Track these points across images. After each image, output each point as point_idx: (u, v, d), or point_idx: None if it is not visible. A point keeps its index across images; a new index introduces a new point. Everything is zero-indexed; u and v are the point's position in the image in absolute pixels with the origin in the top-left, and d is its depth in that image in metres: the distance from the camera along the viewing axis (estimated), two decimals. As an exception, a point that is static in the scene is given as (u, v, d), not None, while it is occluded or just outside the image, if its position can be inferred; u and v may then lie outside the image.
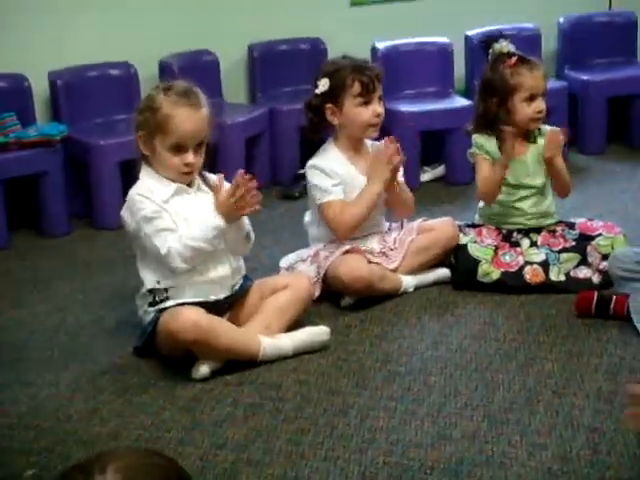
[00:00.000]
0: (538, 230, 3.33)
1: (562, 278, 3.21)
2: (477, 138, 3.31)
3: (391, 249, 3.28)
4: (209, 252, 2.75)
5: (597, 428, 2.38)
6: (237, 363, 2.74)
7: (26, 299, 3.35)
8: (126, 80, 4.30)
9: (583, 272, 3.22)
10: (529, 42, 4.77)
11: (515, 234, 3.33)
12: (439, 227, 3.34)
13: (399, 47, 4.71)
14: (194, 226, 2.74)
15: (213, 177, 2.91)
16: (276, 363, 2.77)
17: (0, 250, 3.83)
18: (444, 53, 4.73)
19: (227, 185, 2.91)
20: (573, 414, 2.45)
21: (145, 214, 2.73)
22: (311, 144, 3.39)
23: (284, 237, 3.78)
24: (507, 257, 3.25)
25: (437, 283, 3.30)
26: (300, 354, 2.81)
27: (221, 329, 2.71)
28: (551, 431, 2.37)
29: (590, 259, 3.24)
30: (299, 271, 3.19)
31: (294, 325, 2.89)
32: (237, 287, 2.91)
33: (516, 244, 3.30)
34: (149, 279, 2.81)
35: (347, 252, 3.16)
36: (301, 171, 3.51)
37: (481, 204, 3.43)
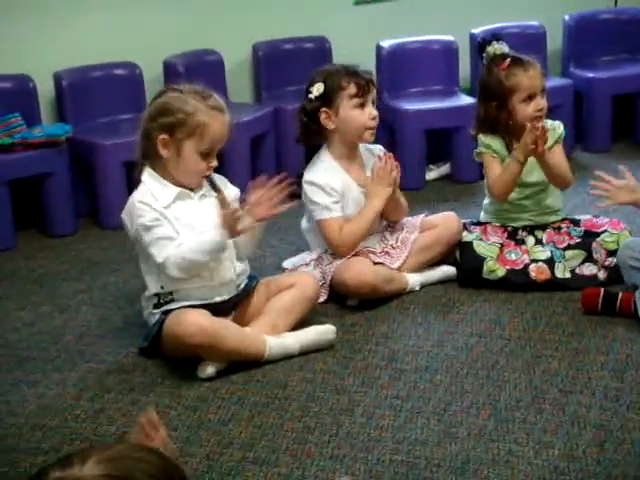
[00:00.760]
0: (543, 227, 3.33)
1: (568, 275, 3.21)
2: (483, 138, 3.31)
3: (393, 247, 3.28)
4: (208, 262, 2.74)
5: (604, 426, 2.37)
6: (243, 362, 2.74)
7: (32, 299, 3.36)
8: (131, 80, 4.30)
9: (589, 269, 3.22)
10: (534, 40, 4.78)
11: (520, 232, 3.32)
12: (443, 223, 3.34)
13: (404, 45, 4.70)
14: (194, 237, 2.73)
15: (220, 178, 2.92)
16: (282, 362, 2.77)
17: (6, 250, 3.84)
18: (449, 51, 4.72)
19: (231, 186, 2.92)
20: (579, 412, 2.45)
21: (143, 222, 2.73)
22: (315, 144, 3.37)
23: (289, 236, 3.78)
24: (512, 255, 3.25)
25: (443, 281, 3.30)
26: (306, 353, 2.81)
27: (227, 331, 2.71)
28: (557, 429, 2.37)
29: (595, 255, 3.23)
30: (304, 271, 3.20)
31: (300, 324, 2.89)
32: (242, 287, 2.91)
33: (521, 242, 3.30)
34: (153, 284, 2.82)
35: (351, 256, 3.16)
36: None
37: (487, 201, 3.43)
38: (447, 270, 3.32)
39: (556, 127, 3.33)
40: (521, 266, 3.22)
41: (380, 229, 3.32)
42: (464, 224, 3.37)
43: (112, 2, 4.32)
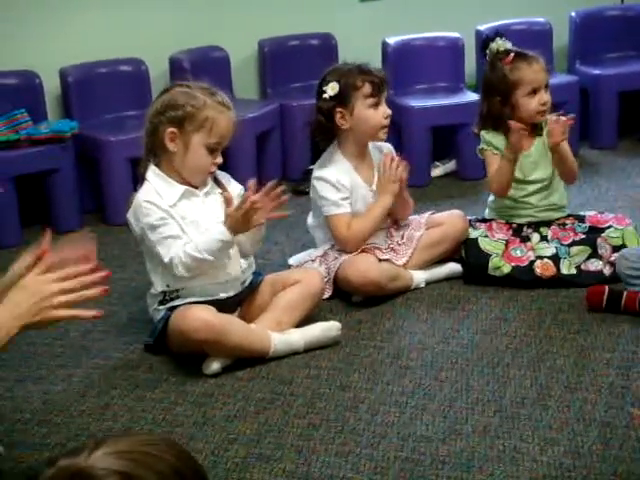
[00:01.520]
0: (548, 224, 3.33)
1: (573, 271, 3.20)
2: (485, 134, 3.31)
3: (399, 244, 3.28)
4: (214, 261, 2.74)
5: (609, 423, 2.37)
6: (248, 359, 2.74)
7: (38, 295, 3.36)
8: (137, 76, 4.31)
9: (594, 265, 3.22)
10: (540, 36, 4.77)
11: (525, 228, 3.32)
12: (448, 221, 3.34)
13: (410, 42, 4.70)
14: (200, 236, 2.73)
15: (223, 175, 2.92)
16: (287, 358, 2.77)
17: (12, 247, 3.83)
18: (455, 48, 4.72)
19: (234, 183, 2.92)
20: (585, 409, 2.44)
21: (149, 221, 2.73)
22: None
23: (295, 233, 3.78)
24: (518, 252, 3.25)
25: (448, 278, 3.30)
26: (311, 349, 2.81)
27: (232, 327, 2.71)
28: (563, 426, 2.37)
29: (601, 251, 3.23)
30: (310, 267, 3.20)
31: (305, 320, 2.89)
32: (247, 283, 2.92)
33: (526, 239, 3.29)
34: (158, 282, 2.82)
35: (356, 253, 3.16)
36: (312, 167, 3.51)
37: (491, 198, 3.43)
38: (453, 267, 3.31)
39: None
40: (526, 263, 3.21)
41: (386, 226, 3.32)
42: (469, 221, 3.37)
43: (118, -1, 4.33)
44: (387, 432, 2.38)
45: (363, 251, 3.18)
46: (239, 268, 2.87)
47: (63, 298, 1.78)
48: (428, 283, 3.26)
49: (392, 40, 4.65)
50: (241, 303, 2.91)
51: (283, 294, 2.91)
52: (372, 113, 3.16)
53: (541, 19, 4.90)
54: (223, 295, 2.83)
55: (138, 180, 2.89)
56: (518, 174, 3.29)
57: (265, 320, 2.85)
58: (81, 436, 2.42)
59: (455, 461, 2.24)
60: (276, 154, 4.51)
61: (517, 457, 2.24)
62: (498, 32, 3.38)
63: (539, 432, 2.35)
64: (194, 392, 2.62)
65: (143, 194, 2.78)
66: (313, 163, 3.42)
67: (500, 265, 3.21)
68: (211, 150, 2.78)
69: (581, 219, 3.35)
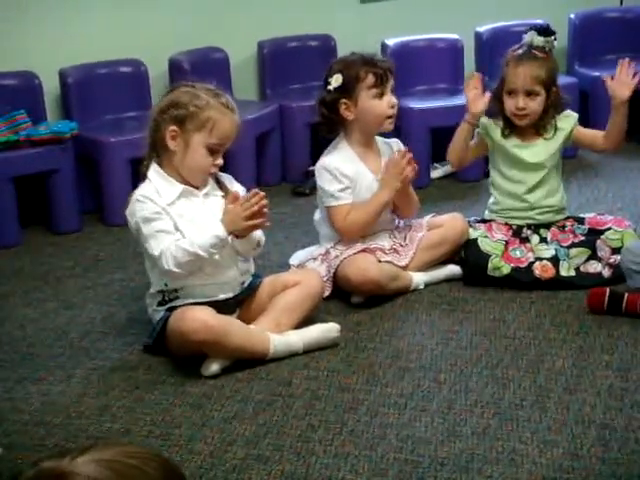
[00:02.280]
0: (547, 226, 3.33)
1: (572, 273, 3.20)
2: (483, 118, 3.34)
3: (401, 245, 3.28)
4: (206, 260, 2.72)
5: (608, 425, 2.37)
6: (247, 360, 2.74)
7: (37, 296, 3.36)
8: (136, 77, 4.30)
9: (593, 266, 3.22)
10: (540, 38, 4.77)
11: (525, 230, 3.32)
12: (449, 223, 3.34)
13: (409, 43, 4.70)
14: (197, 234, 2.72)
15: (227, 177, 2.92)
16: (286, 360, 2.77)
17: (11, 247, 3.84)
18: (454, 49, 4.72)
19: (236, 184, 2.92)
20: (584, 411, 2.44)
21: (144, 214, 2.73)
22: (321, 141, 3.38)
23: (295, 234, 3.78)
24: (517, 252, 3.25)
25: (448, 280, 3.30)
26: (310, 351, 2.81)
27: (231, 328, 2.71)
28: (562, 428, 2.37)
29: (600, 253, 3.23)
30: (310, 268, 3.20)
31: (304, 322, 2.89)
32: (246, 285, 2.92)
33: (526, 240, 3.29)
34: (157, 281, 2.82)
35: (358, 252, 3.16)
36: (311, 168, 3.52)
37: (491, 200, 3.43)
38: (453, 269, 3.31)
39: (569, 116, 3.40)
40: (526, 264, 3.21)
41: (391, 227, 3.32)
42: (469, 221, 3.37)
43: (117, 0, 4.32)
44: (386, 433, 2.38)
45: (364, 251, 3.18)
46: (237, 269, 2.86)
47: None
48: (427, 285, 3.26)
49: (391, 41, 4.65)
50: (240, 304, 2.91)
51: (282, 295, 2.91)
52: (377, 103, 3.16)
53: (540, 21, 4.89)
54: (222, 296, 2.83)
55: (138, 180, 2.88)
56: (516, 168, 3.30)
57: (264, 321, 2.85)
58: (80, 437, 2.41)
59: (454, 463, 2.24)
60: (275, 155, 4.51)
61: (516, 459, 2.24)
62: (548, 29, 3.34)
63: (538, 434, 2.35)
64: (193, 393, 2.62)
65: (140, 190, 2.78)
66: (313, 164, 3.42)
67: (500, 266, 3.21)
68: (212, 151, 2.78)
69: (580, 221, 3.35)
